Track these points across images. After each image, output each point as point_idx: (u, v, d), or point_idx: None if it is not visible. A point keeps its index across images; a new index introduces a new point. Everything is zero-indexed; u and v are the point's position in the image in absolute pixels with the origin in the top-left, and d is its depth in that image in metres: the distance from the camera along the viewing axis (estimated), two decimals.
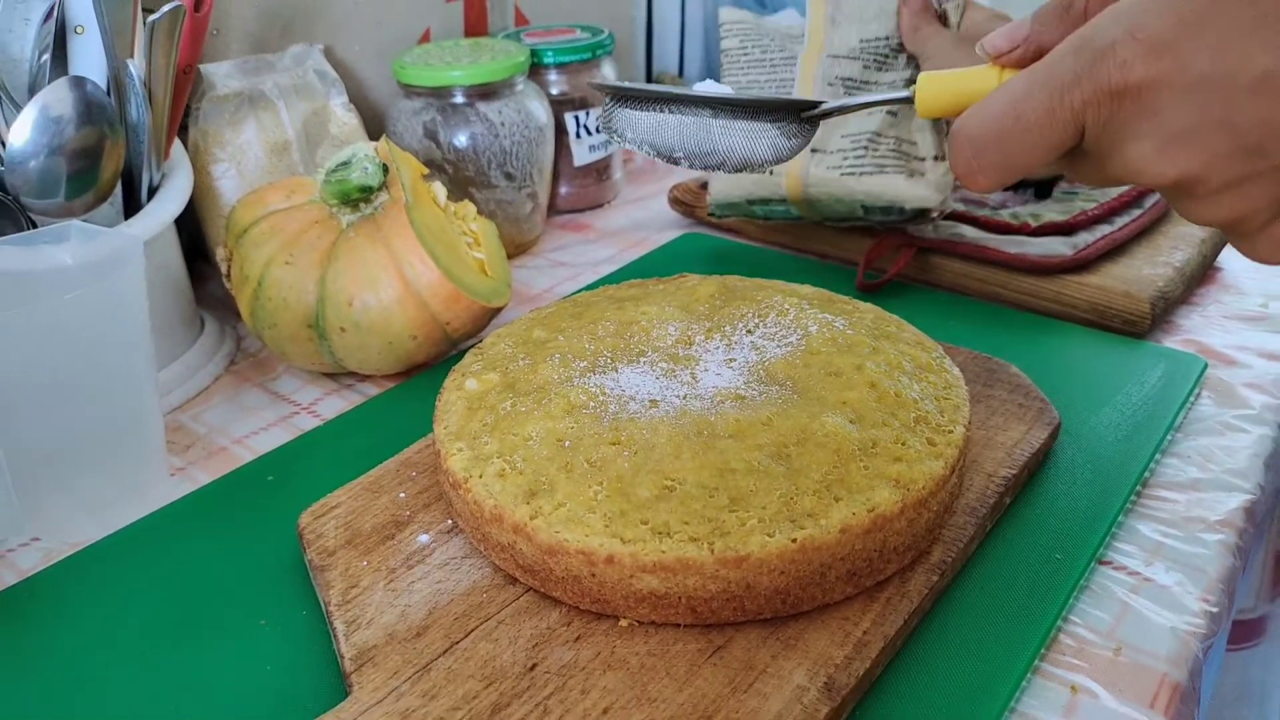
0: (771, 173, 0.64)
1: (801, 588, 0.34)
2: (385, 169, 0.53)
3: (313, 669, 0.36)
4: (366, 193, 0.53)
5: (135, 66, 0.47)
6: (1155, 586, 0.40)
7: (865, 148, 0.60)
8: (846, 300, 0.48)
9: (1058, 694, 0.36)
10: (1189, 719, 0.36)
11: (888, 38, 0.60)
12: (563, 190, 0.79)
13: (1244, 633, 0.75)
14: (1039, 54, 0.33)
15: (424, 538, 0.40)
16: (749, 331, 0.44)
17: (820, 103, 0.37)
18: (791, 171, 0.63)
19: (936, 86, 0.35)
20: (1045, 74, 0.30)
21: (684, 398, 0.40)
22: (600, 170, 0.80)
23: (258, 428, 0.54)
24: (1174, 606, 0.39)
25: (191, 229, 0.65)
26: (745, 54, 0.65)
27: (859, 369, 0.40)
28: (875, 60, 0.61)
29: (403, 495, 0.43)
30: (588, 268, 0.71)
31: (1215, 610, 0.39)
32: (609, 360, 0.43)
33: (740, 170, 0.38)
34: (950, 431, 0.38)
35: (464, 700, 0.32)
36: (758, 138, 0.37)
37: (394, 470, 0.44)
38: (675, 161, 0.38)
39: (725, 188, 0.66)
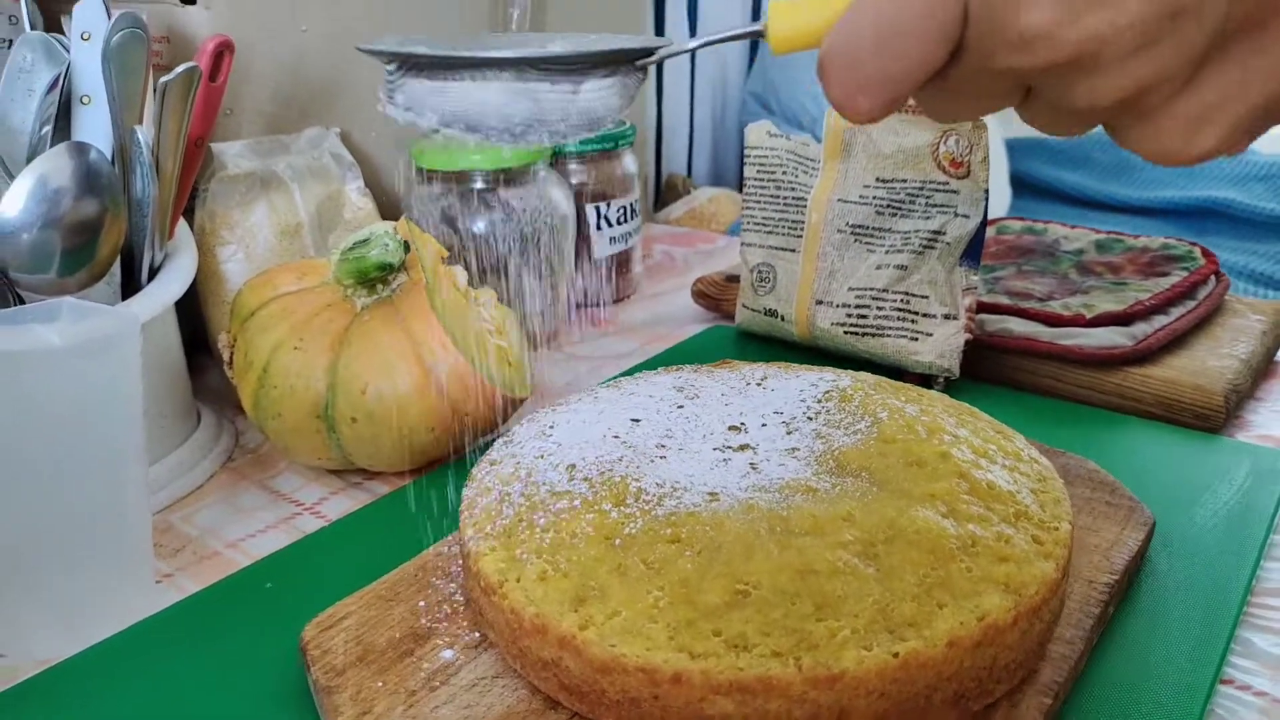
0: (782, 319, 0.61)
1: (901, 714, 0.29)
2: (406, 247, 0.50)
3: None
4: (385, 271, 0.49)
5: (143, 133, 0.44)
6: None
7: (868, 305, 0.57)
8: (911, 387, 0.44)
9: None
10: None
11: (905, 181, 0.57)
12: (581, 284, 0.76)
13: None
14: None
15: (448, 653, 0.35)
16: (809, 418, 0.40)
17: (655, 49, 0.31)
18: (799, 320, 0.60)
19: (791, 14, 0.29)
20: None
21: (746, 490, 0.35)
22: (620, 263, 0.77)
23: (255, 530, 0.49)
24: None
25: (193, 316, 0.61)
26: (763, 188, 0.63)
27: (944, 457, 0.36)
28: (891, 205, 0.57)
29: (422, 604, 0.37)
30: (609, 361, 0.67)
31: None
32: (654, 446, 0.38)
33: (565, 136, 0.31)
34: (1056, 529, 0.34)
35: None
36: (583, 97, 0.31)
37: (412, 575, 0.39)
38: (481, 133, 0.31)
39: (745, 320, 0.64)
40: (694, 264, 0.88)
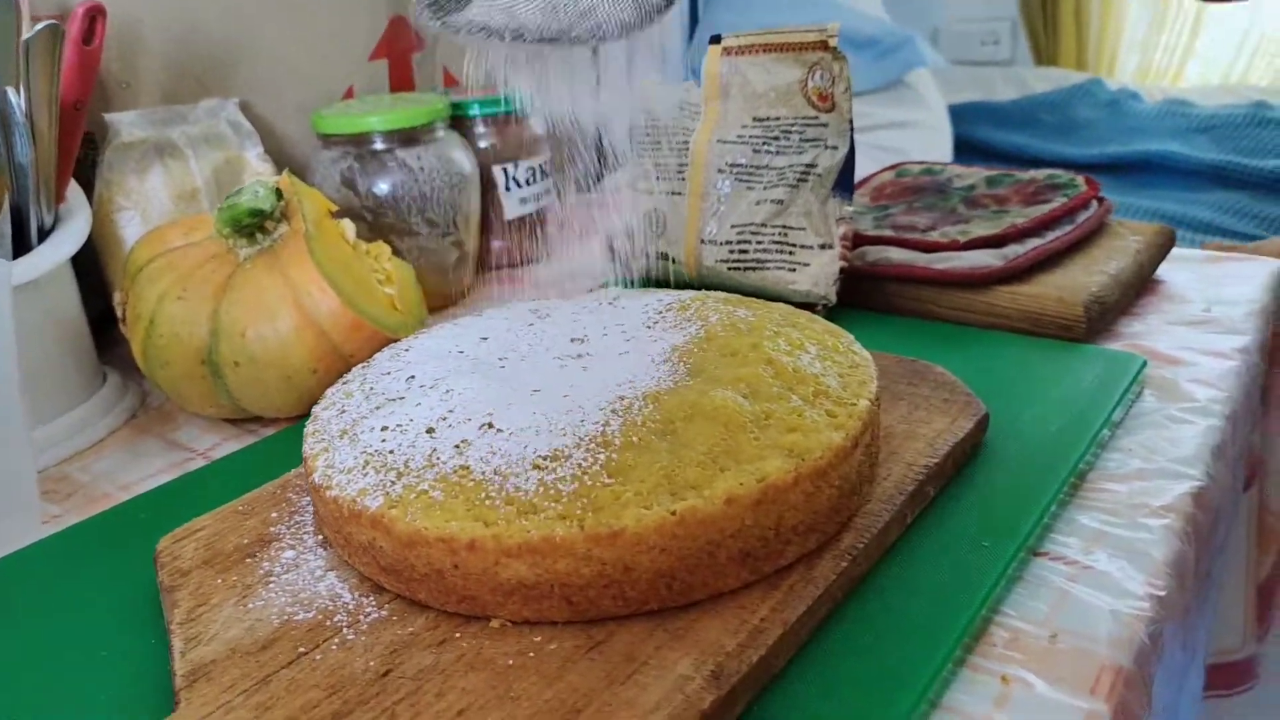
0: (673, 261, 0.63)
1: (689, 570, 0.31)
2: (279, 194, 0.52)
3: (149, 696, 0.32)
4: (258, 217, 0.51)
5: (14, 95, 0.46)
6: (1095, 573, 0.37)
7: (748, 240, 0.59)
8: (754, 300, 0.46)
9: (988, 685, 0.32)
10: (1137, 708, 0.32)
11: (778, 118, 0.59)
12: (495, 245, 0.78)
13: (1231, 676, 0.71)
14: None
15: (289, 554, 0.36)
16: (648, 327, 0.42)
17: None
18: (688, 260, 0.62)
19: None
20: None
21: (572, 385, 0.37)
22: (534, 224, 0.79)
23: (147, 474, 0.51)
24: (1115, 591, 0.36)
25: (102, 287, 0.63)
26: (649, 135, 0.65)
27: (755, 347, 0.37)
28: (767, 143, 0.59)
29: (274, 514, 0.39)
30: None
31: (1162, 594, 0.36)
32: (496, 359, 0.40)
33: (607, 37, 0.30)
34: (853, 404, 0.35)
35: (302, 710, 0.28)
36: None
37: (270, 492, 0.41)
38: (529, 40, 0.30)
39: (642, 266, 0.66)
40: (620, 218, 0.89)
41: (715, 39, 0.62)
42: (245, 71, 0.67)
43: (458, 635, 0.31)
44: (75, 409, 0.55)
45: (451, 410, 0.35)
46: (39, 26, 0.45)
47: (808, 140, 0.58)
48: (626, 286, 0.68)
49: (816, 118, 0.57)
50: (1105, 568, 0.37)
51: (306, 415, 0.54)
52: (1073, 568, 0.37)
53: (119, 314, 0.54)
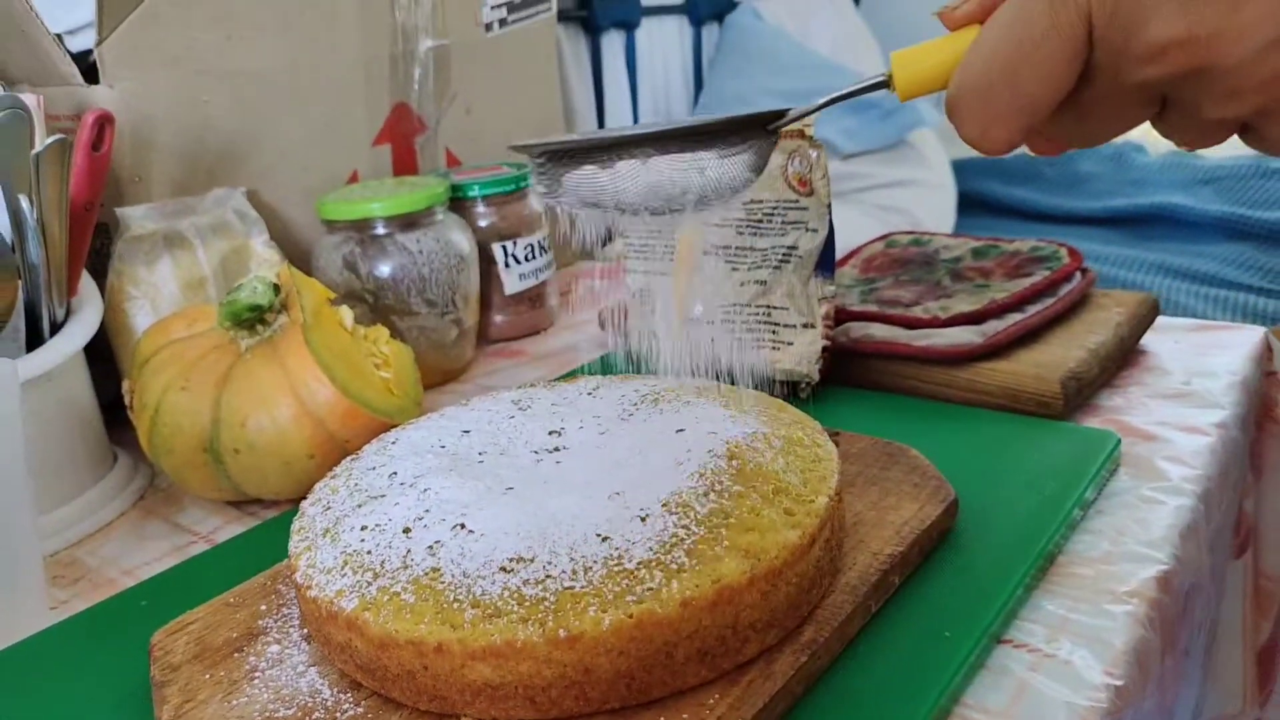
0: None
1: (647, 670, 0.32)
2: (277, 289, 0.54)
3: None
4: (256, 311, 0.53)
5: (25, 200, 0.49)
6: (1057, 663, 0.38)
7: (733, 320, 0.61)
8: (732, 391, 0.47)
9: None
10: None
11: (761, 201, 0.60)
12: (497, 319, 0.80)
13: None
14: (996, 4, 0.30)
15: (275, 648, 0.38)
16: (623, 419, 0.43)
17: (785, 111, 0.33)
18: (677, 336, 0.63)
19: (913, 60, 0.31)
20: None
21: (546, 482, 0.38)
22: (533, 298, 0.81)
23: (151, 558, 0.53)
24: (1074, 682, 0.36)
25: (115, 372, 0.65)
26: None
27: (724, 442, 0.39)
28: (750, 225, 0.61)
29: (263, 607, 0.41)
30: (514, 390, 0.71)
31: (1120, 684, 0.36)
32: (476, 454, 0.42)
33: (703, 208, 0.32)
34: (811, 501, 0.37)
35: None
36: (726, 166, 0.32)
37: (260, 585, 0.43)
38: (634, 212, 0.32)
39: (634, 343, 0.68)
40: (615, 291, 0.91)
41: None
42: (253, 161, 0.70)
43: None
44: (86, 493, 0.57)
45: (428, 510, 0.37)
46: (49, 140, 0.48)
47: (789, 223, 0.60)
48: (618, 360, 0.70)
49: (797, 201, 0.59)
50: (1067, 656, 0.38)
51: (305, 498, 0.56)
52: (1035, 656, 0.38)
53: (127, 401, 0.57)
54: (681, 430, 0.41)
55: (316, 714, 0.34)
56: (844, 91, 0.33)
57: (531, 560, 0.33)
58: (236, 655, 0.38)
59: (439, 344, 0.71)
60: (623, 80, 1.35)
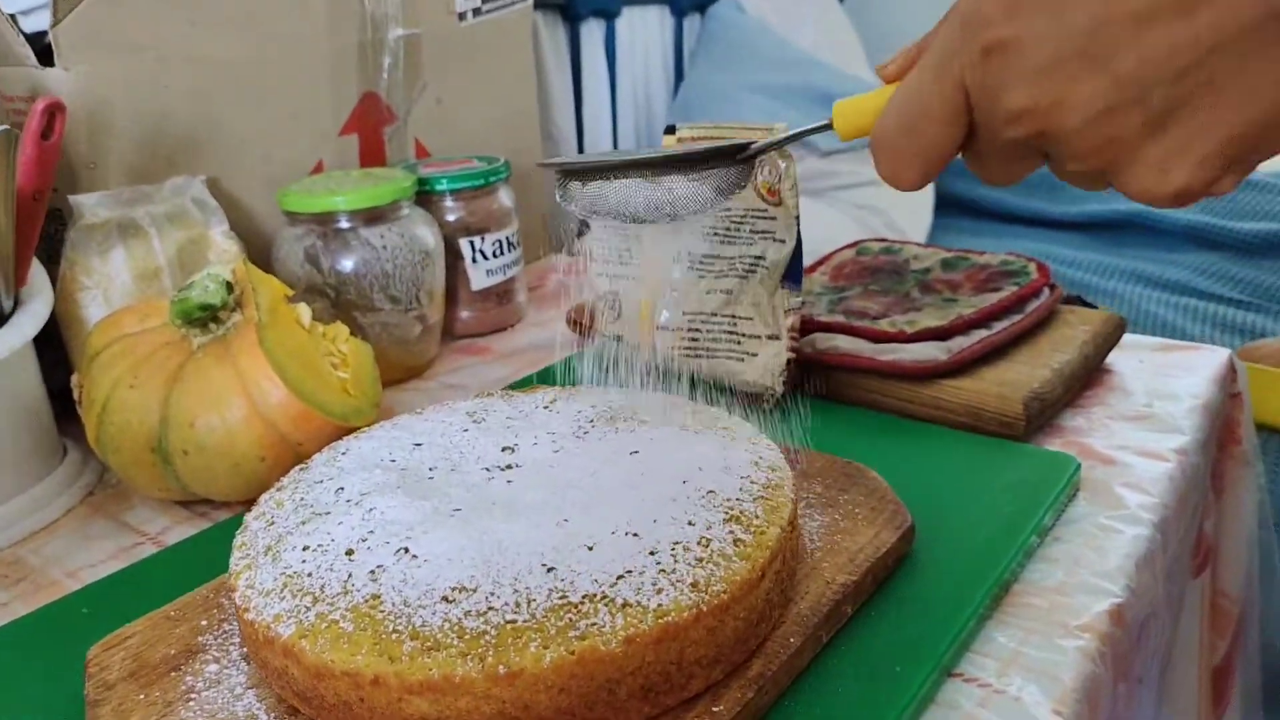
0: (628, 343, 0.64)
1: (588, 707, 0.31)
2: (230, 288, 0.53)
3: None
4: (208, 311, 0.52)
5: None
6: (1006, 699, 0.37)
7: (699, 329, 0.60)
8: (691, 403, 0.46)
9: None
10: None
11: (730, 209, 0.60)
12: (464, 315, 0.79)
13: None
14: (922, 55, 0.35)
15: (213, 668, 0.37)
16: (578, 437, 0.43)
17: (749, 144, 0.39)
18: (643, 344, 0.63)
19: (849, 109, 0.37)
20: (929, 57, 0.33)
21: (494, 504, 0.38)
22: (501, 294, 0.80)
23: (97, 560, 0.52)
24: (1021, 719, 0.36)
25: (67, 359, 0.64)
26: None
27: (678, 465, 0.38)
28: (718, 233, 0.60)
29: (204, 623, 0.40)
30: (479, 388, 0.70)
31: None
32: (426, 469, 0.41)
33: (692, 215, 0.39)
34: (763, 531, 0.36)
35: None
36: (698, 187, 0.39)
37: (202, 598, 0.42)
38: (632, 220, 0.39)
39: (600, 345, 0.67)
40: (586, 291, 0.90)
41: (670, 129, 0.63)
42: (214, 149, 0.69)
43: None
44: (33, 487, 0.56)
45: (372, 531, 0.36)
46: None
47: (757, 232, 0.59)
48: (585, 365, 0.69)
49: (765, 211, 0.59)
50: (1016, 693, 0.38)
51: (254, 500, 0.55)
52: (985, 691, 0.38)
53: (75, 396, 0.55)
54: (635, 452, 0.40)
55: None
56: (796, 131, 0.40)
57: (474, 590, 0.33)
58: (174, 674, 0.37)
59: (402, 340, 0.70)
60: (601, 71, 1.34)
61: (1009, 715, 0.36)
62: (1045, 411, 0.56)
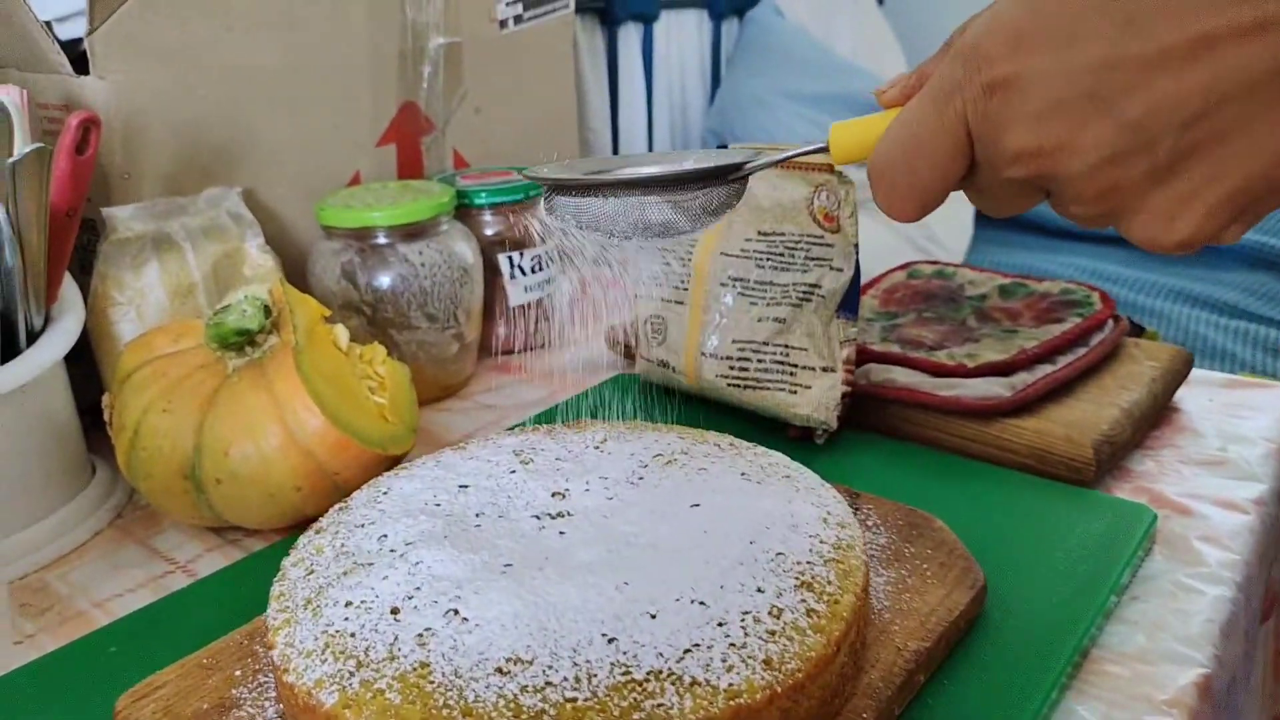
0: (673, 370, 0.62)
1: None
2: (268, 311, 0.51)
3: None
4: (245, 336, 0.50)
5: (2, 211, 0.45)
6: None
7: (749, 358, 0.58)
8: (750, 446, 0.44)
9: None
10: None
11: (783, 234, 0.57)
12: (500, 331, 0.77)
13: None
14: (922, 84, 0.34)
15: None
16: (632, 483, 0.40)
17: (743, 164, 0.38)
18: (688, 371, 0.60)
19: (846, 133, 0.36)
20: (929, 90, 0.32)
21: (546, 559, 0.35)
22: (541, 311, 0.78)
23: (124, 589, 0.50)
24: None
25: (96, 374, 0.62)
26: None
27: (743, 521, 0.36)
28: (771, 259, 0.57)
29: (238, 673, 0.38)
30: (515, 410, 0.68)
31: None
32: (473, 515, 0.39)
33: (683, 234, 0.38)
34: (837, 600, 0.34)
35: None
36: (688, 207, 0.37)
37: (236, 644, 0.40)
38: (616, 236, 0.38)
39: (644, 369, 0.65)
40: (619, 306, 0.88)
41: (722, 149, 0.61)
42: (250, 160, 0.67)
43: None
44: (60, 509, 0.54)
45: (418, 588, 0.34)
46: (27, 149, 0.44)
47: (812, 259, 0.56)
48: (629, 390, 0.67)
49: (822, 237, 0.56)
50: None
51: (290, 529, 0.53)
52: None
53: (106, 417, 0.53)
54: (697, 505, 0.38)
55: None
56: (790, 154, 0.39)
57: (530, 663, 0.30)
58: None
59: (438, 359, 0.68)
60: (638, 75, 1.31)
61: None
62: (1115, 455, 0.54)
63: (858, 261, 0.56)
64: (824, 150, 0.37)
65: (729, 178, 0.38)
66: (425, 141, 0.77)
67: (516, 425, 0.63)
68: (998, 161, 0.31)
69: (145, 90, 0.61)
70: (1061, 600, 0.42)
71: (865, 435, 0.58)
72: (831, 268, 0.56)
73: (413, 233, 0.66)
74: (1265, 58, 0.26)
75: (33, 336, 0.53)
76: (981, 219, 1.51)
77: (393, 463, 0.54)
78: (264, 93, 0.67)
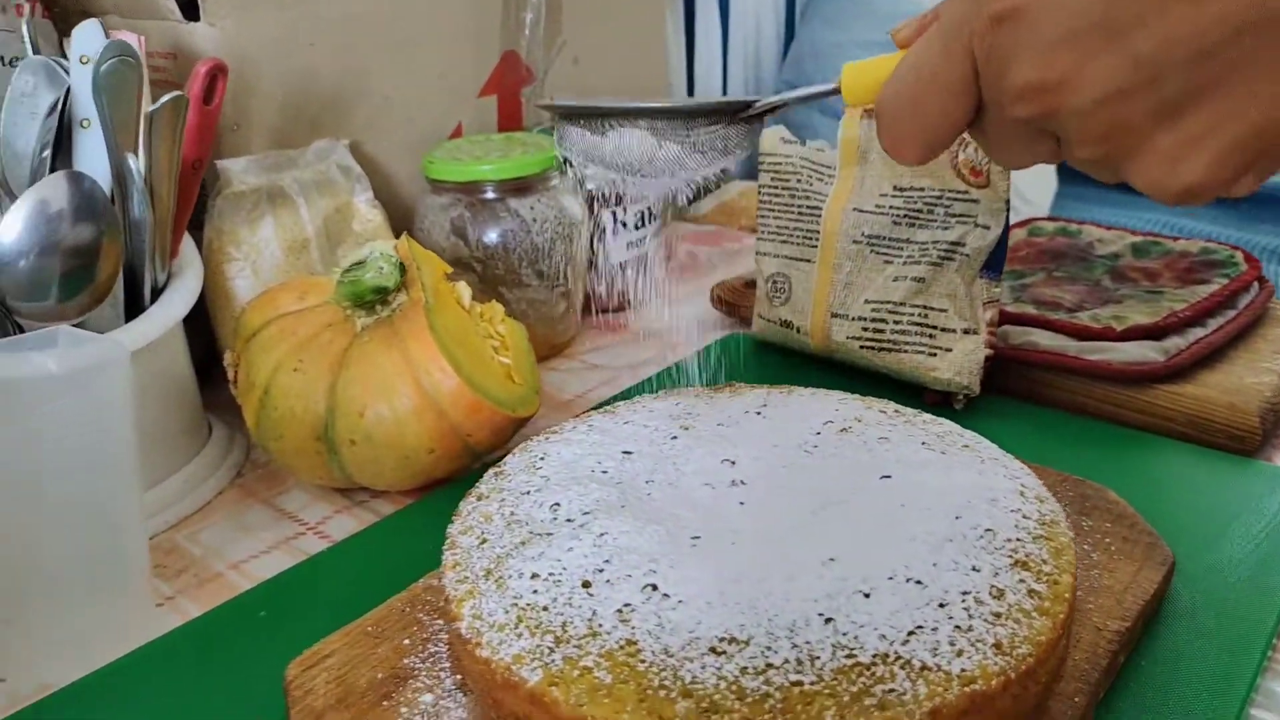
0: (798, 330, 0.59)
1: None
2: (403, 269, 0.49)
3: None
4: (381, 294, 0.48)
5: (135, 161, 0.44)
6: None
7: (885, 319, 0.55)
8: (916, 415, 0.42)
9: None
10: None
11: (922, 189, 0.54)
12: (599, 289, 0.75)
13: None
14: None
15: (428, 698, 0.34)
16: (806, 452, 0.38)
17: (753, 102, 0.37)
18: (815, 332, 0.58)
19: (859, 73, 0.35)
20: (938, 25, 0.31)
21: (734, 530, 0.34)
22: (640, 267, 0.76)
23: (258, 550, 0.49)
24: None
25: (206, 328, 0.61)
26: (777, 195, 0.61)
27: (939, 496, 0.34)
28: (909, 215, 0.55)
29: (406, 642, 0.37)
30: (625, 370, 0.66)
31: None
32: (643, 483, 0.37)
33: (689, 178, 0.38)
34: (1057, 581, 0.32)
35: None
36: (696, 143, 0.37)
37: (399, 610, 0.39)
38: (628, 173, 0.38)
39: (761, 329, 0.63)
40: (718, 264, 0.86)
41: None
42: (356, 111, 0.65)
43: None
44: (183, 468, 0.53)
45: (607, 561, 0.33)
46: (165, 98, 0.43)
47: (954, 215, 0.54)
48: (738, 343, 0.65)
49: (967, 193, 0.53)
50: None
51: (419, 489, 0.52)
52: None
53: (230, 375, 0.52)
54: (887, 477, 0.36)
55: None
56: (801, 94, 0.38)
57: (746, 643, 0.29)
58: (385, 704, 0.34)
59: (547, 318, 0.67)
60: (715, 25, 1.27)
61: None
62: (1278, 423, 0.51)
63: (1007, 219, 0.53)
64: (836, 92, 0.36)
65: (739, 115, 0.37)
66: (525, 92, 0.75)
67: (631, 389, 0.61)
68: (1003, 98, 0.30)
69: (255, 38, 0.59)
70: (1248, 576, 0.40)
71: (1005, 400, 0.56)
72: (977, 224, 0.53)
73: (522, 187, 0.64)
74: None
75: (155, 293, 0.51)
76: (1062, 171, 1.46)
77: (519, 425, 0.52)
78: (372, 41, 0.64)
